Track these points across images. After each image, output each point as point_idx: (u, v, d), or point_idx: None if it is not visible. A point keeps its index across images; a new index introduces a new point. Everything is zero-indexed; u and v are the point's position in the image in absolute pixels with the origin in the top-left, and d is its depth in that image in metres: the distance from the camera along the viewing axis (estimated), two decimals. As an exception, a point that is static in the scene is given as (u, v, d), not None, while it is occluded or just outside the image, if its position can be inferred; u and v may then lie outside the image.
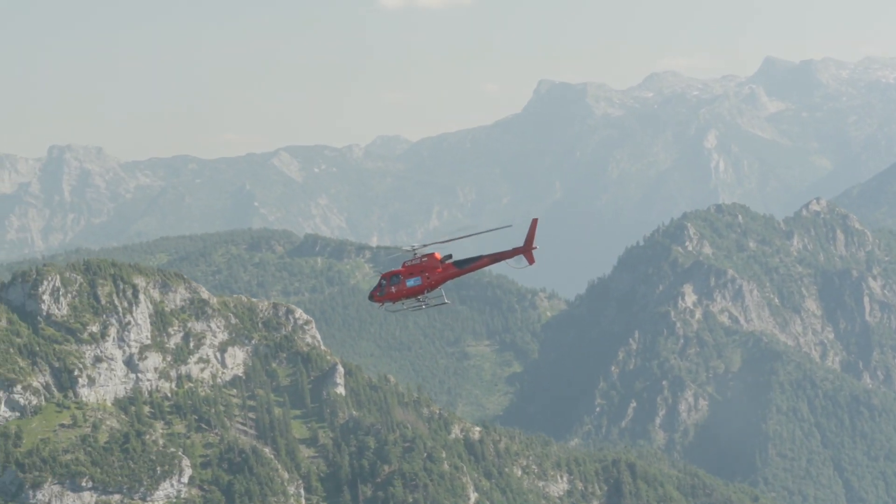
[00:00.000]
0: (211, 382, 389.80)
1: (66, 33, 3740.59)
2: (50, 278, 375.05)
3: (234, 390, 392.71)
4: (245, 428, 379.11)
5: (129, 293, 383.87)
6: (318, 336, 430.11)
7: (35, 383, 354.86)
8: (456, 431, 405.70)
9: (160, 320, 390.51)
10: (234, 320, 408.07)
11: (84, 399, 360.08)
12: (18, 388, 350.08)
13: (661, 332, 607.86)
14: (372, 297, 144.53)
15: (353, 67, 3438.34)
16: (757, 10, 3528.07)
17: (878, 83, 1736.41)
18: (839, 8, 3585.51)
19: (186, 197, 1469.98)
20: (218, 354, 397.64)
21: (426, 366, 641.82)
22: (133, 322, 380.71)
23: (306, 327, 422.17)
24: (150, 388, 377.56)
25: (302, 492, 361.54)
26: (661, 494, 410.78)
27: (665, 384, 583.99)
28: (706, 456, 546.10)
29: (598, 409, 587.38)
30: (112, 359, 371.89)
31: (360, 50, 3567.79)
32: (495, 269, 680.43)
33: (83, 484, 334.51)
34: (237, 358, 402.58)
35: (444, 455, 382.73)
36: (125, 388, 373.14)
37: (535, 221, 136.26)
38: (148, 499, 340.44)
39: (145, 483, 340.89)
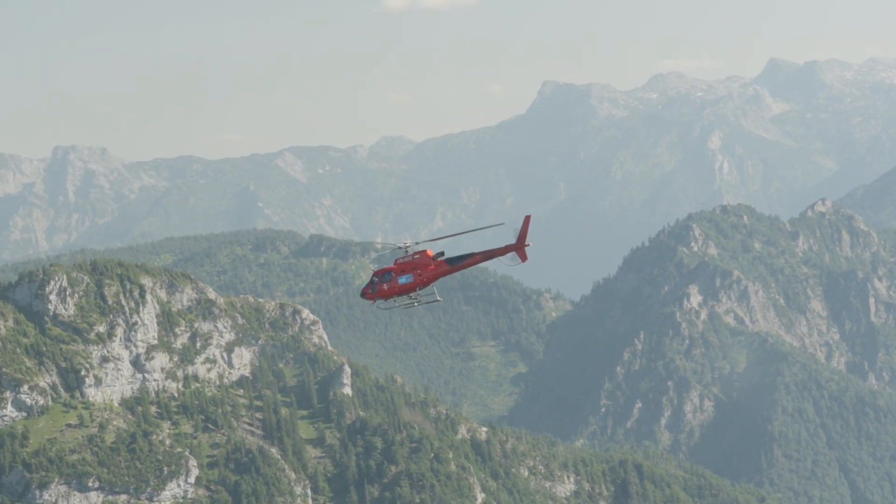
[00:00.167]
0: (218, 383, 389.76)
1: (70, 34, 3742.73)
2: (57, 278, 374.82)
3: (241, 390, 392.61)
4: (252, 428, 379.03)
5: (136, 293, 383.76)
6: (325, 336, 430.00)
7: (42, 383, 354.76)
8: (463, 432, 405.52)
9: (167, 320, 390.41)
10: (240, 321, 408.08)
11: (91, 399, 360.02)
12: (25, 388, 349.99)
13: (666, 333, 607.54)
14: (364, 294, 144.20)
15: (358, 68, 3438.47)
16: (761, 11, 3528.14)
17: (883, 84, 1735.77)
18: (843, 9, 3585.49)
19: (190, 197, 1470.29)
20: (225, 355, 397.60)
21: (431, 366, 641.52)
22: (140, 322, 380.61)
23: (313, 328, 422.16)
24: (156, 389, 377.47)
25: (309, 492, 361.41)
26: (668, 495, 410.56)
27: (670, 385, 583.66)
28: (711, 457, 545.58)
29: (603, 410, 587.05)
30: (119, 359, 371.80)
31: (365, 51, 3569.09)
32: (500, 269, 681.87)
33: (90, 484, 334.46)
34: (244, 358, 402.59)
35: (451, 455, 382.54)
36: (132, 388, 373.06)
37: (527, 219, 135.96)
38: (155, 499, 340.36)
39: (152, 483, 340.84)
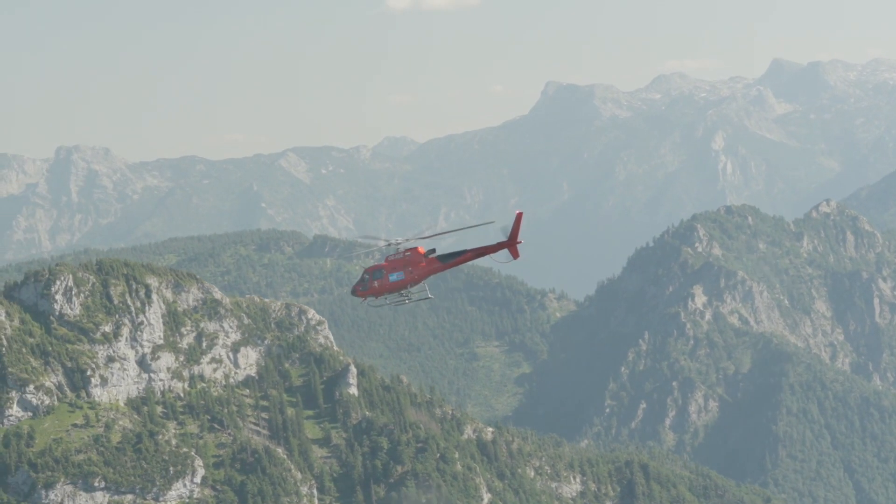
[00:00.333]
0: (224, 382, 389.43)
1: (73, 34, 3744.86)
2: (62, 278, 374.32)
3: (247, 390, 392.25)
4: (258, 428, 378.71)
5: (142, 293, 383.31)
6: (331, 336, 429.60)
7: (48, 383, 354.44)
8: (469, 432, 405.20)
9: (173, 320, 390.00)
10: (246, 320, 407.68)
11: (97, 399, 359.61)
12: (31, 387, 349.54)
13: (670, 334, 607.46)
14: (355, 291, 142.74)
15: (361, 69, 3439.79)
16: (764, 12, 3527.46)
17: (886, 85, 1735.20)
18: (846, 10, 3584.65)
19: (194, 198, 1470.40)
20: (231, 354, 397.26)
21: (435, 367, 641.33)
22: (146, 322, 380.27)
23: (319, 328, 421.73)
24: (162, 388, 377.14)
25: (315, 492, 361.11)
26: (675, 495, 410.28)
27: (675, 385, 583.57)
28: (716, 457, 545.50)
29: (607, 411, 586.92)
30: (125, 359, 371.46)
31: (368, 51, 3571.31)
32: (505, 269, 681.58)
33: (96, 484, 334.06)
34: (250, 358, 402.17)
35: (456, 455, 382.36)
36: (138, 388, 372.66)
37: (519, 215, 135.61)
38: (160, 499, 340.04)
39: (158, 483, 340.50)
